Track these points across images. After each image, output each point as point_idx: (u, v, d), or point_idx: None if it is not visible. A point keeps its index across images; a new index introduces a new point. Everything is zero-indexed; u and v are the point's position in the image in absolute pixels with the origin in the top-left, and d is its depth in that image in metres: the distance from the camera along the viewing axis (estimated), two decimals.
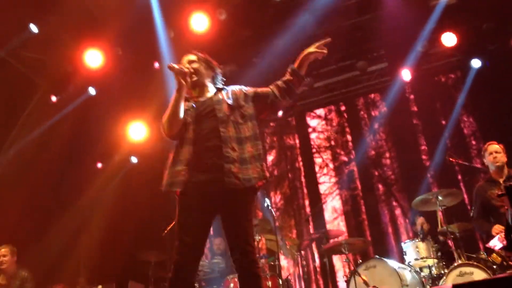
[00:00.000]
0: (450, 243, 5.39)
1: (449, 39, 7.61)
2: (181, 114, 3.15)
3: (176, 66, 3.15)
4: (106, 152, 8.58)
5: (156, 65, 7.82)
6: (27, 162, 7.11)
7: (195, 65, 3.36)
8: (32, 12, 6.87)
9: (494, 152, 5.21)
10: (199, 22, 7.16)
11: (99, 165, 8.85)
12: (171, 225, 6.59)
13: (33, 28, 6.88)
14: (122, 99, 8.24)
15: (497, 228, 4.87)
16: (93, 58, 7.36)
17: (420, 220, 6.58)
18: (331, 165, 8.72)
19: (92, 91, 8.06)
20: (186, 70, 3.21)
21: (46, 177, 7.31)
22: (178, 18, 7.25)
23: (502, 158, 5.20)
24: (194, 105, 3.27)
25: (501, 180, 5.14)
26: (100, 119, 8.34)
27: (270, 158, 9.26)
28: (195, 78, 3.31)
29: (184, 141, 3.15)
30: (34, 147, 7.25)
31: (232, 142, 3.12)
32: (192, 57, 3.43)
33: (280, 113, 8.93)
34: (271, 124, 9.44)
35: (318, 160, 8.84)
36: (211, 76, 3.44)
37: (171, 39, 7.42)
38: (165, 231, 6.56)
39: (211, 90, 3.40)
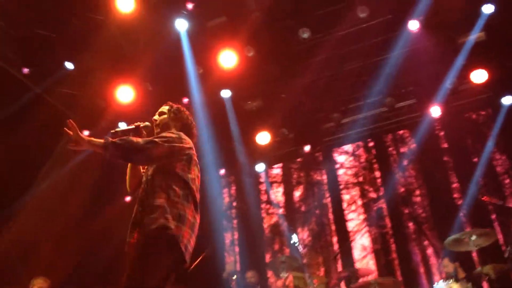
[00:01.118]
0: (485, 284, 5.18)
1: (479, 76, 7.54)
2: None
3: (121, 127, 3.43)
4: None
5: (185, 100, 7.94)
6: (60, 195, 7.21)
7: (159, 117, 3.50)
8: (67, 50, 7.14)
9: None
10: (228, 59, 7.29)
11: (128, 198, 8.92)
12: (198, 261, 6.55)
13: (69, 65, 7.13)
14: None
15: None
16: (125, 93, 7.53)
17: (445, 261, 6.34)
18: (359, 202, 8.58)
19: (122, 125, 8.21)
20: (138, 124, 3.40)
21: (78, 209, 7.40)
22: (207, 55, 7.40)
23: None
24: None
25: None
26: None
27: (297, 193, 9.17)
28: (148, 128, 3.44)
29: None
30: (67, 180, 7.37)
31: None
32: (164, 108, 3.56)
33: (307, 148, 8.91)
34: (298, 159, 9.40)
35: (346, 197, 8.72)
36: (179, 126, 3.46)
37: (200, 75, 7.57)
38: (191, 266, 6.49)
39: None
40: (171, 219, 2.89)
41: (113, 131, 3.28)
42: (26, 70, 7.00)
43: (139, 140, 3.10)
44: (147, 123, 3.45)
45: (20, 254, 6.58)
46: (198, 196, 3.19)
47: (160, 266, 2.85)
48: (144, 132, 3.40)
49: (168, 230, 2.85)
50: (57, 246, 6.89)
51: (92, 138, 3.08)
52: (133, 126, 3.41)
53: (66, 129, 3.01)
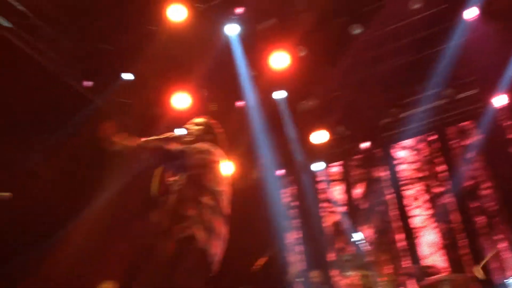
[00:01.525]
0: None
1: None
2: None
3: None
4: None
5: (241, 103, 8.02)
6: (121, 205, 7.40)
7: (193, 127, 3.60)
8: (123, 61, 7.38)
9: None
10: (280, 60, 7.30)
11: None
12: (263, 260, 6.53)
13: (127, 76, 7.38)
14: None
15: None
16: (181, 100, 7.69)
17: None
18: (424, 197, 8.33)
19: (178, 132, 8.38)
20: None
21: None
22: (259, 57, 7.43)
23: None
24: None
25: None
26: None
27: (357, 191, 9.03)
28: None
29: None
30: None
31: None
32: (199, 120, 3.68)
33: (365, 145, 8.76)
34: (356, 156, 9.25)
35: (409, 192, 8.48)
36: (210, 140, 3.52)
37: (253, 78, 7.61)
38: (255, 267, 6.49)
39: None
40: (201, 229, 2.92)
41: (144, 139, 3.32)
42: (87, 83, 7.28)
43: (173, 147, 3.20)
44: (176, 133, 3.50)
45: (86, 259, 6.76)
46: (228, 208, 3.23)
47: (190, 276, 2.86)
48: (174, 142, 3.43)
49: (196, 241, 2.87)
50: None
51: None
52: (163, 136, 3.44)
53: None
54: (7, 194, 3.57)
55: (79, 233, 6.87)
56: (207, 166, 3.22)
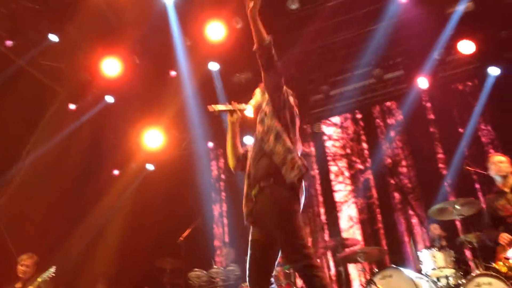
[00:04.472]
0: (468, 252, 5.31)
1: (466, 47, 7.55)
2: (236, 149, 3.47)
3: (219, 107, 3.43)
4: (123, 159, 8.67)
5: (173, 73, 7.89)
6: (47, 169, 7.21)
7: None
8: (51, 22, 7.02)
9: (498, 162, 5.25)
10: (216, 31, 7.22)
11: (116, 172, 8.95)
12: (187, 232, 6.65)
13: (53, 37, 7.02)
14: (139, 106, 8.34)
15: (503, 236, 4.87)
16: (111, 66, 7.47)
17: (433, 227, 6.51)
18: (346, 173, 8.66)
19: (109, 99, 8.16)
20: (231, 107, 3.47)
21: (65, 183, 7.41)
22: (195, 27, 7.31)
23: (506, 168, 5.20)
24: None
25: (507, 190, 5.11)
26: (117, 127, 8.45)
27: None
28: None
29: None
30: (54, 154, 7.36)
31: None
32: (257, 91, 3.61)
33: None
34: None
35: (333, 168, 8.80)
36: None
37: (188, 47, 7.49)
38: (181, 238, 6.60)
39: None
40: None
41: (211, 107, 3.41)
42: (9, 43, 6.88)
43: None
44: (245, 106, 3.51)
45: (8, 228, 6.59)
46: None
47: None
48: (240, 114, 3.50)
49: None
50: (45, 221, 6.89)
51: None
52: (231, 107, 3.50)
53: None
54: None
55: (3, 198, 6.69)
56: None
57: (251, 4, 3.04)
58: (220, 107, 3.48)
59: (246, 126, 3.59)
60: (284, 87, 3.26)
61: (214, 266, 6.81)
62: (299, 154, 3.22)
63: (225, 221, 9.21)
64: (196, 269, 6.66)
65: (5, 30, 6.86)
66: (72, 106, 8.02)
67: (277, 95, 3.22)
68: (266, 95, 3.33)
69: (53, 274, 5.40)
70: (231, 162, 3.52)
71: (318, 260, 6.74)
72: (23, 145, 7.22)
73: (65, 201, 7.30)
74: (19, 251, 5.86)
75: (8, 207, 6.67)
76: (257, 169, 3.18)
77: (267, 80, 3.21)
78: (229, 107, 3.49)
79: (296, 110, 3.34)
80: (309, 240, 8.42)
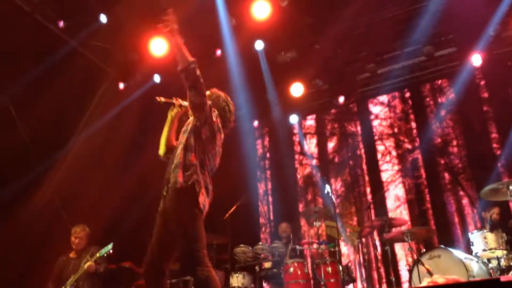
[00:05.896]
0: None
1: None
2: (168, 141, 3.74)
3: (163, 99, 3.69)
4: None
5: (218, 52, 7.94)
6: (98, 146, 7.45)
7: None
8: (100, 3, 7.19)
9: None
10: (261, 10, 7.21)
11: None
12: (233, 209, 6.75)
13: (103, 18, 7.20)
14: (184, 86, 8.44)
15: None
16: (158, 46, 7.59)
17: (494, 210, 6.28)
18: (394, 153, 8.50)
19: (157, 78, 8.32)
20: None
21: (115, 160, 7.64)
22: (240, 6, 7.31)
23: None
24: None
25: None
26: (164, 107, 8.58)
27: (331, 145, 9.17)
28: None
29: None
30: (104, 131, 7.58)
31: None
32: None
33: (341, 99, 8.81)
34: (332, 111, 9.33)
35: (380, 148, 8.66)
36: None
37: (233, 27, 7.51)
38: (226, 216, 6.72)
39: None
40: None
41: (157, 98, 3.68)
42: (61, 24, 7.10)
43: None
44: (185, 103, 3.68)
45: (62, 203, 6.88)
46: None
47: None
48: (180, 110, 3.75)
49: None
50: (98, 195, 7.14)
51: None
52: (173, 101, 3.74)
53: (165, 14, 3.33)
54: None
55: (57, 174, 6.97)
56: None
57: (166, 30, 3.32)
58: (163, 99, 3.74)
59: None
60: (209, 102, 3.43)
61: (259, 243, 6.90)
62: (212, 170, 3.57)
63: (270, 198, 9.29)
64: (242, 245, 6.77)
65: (56, 11, 7.07)
66: (121, 86, 8.23)
67: (198, 114, 3.40)
68: None
69: (111, 251, 5.59)
70: (160, 150, 3.75)
71: (363, 240, 6.69)
72: (76, 123, 7.47)
73: (115, 177, 7.53)
74: (74, 224, 6.12)
75: (63, 183, 6.94)
76: (169, 171, 3.42)
77: (191, 99, 3.36)
78: (172, 101, 3.73)
79: (218, 125, 3.52)
80: (355, 220, 8.39)
